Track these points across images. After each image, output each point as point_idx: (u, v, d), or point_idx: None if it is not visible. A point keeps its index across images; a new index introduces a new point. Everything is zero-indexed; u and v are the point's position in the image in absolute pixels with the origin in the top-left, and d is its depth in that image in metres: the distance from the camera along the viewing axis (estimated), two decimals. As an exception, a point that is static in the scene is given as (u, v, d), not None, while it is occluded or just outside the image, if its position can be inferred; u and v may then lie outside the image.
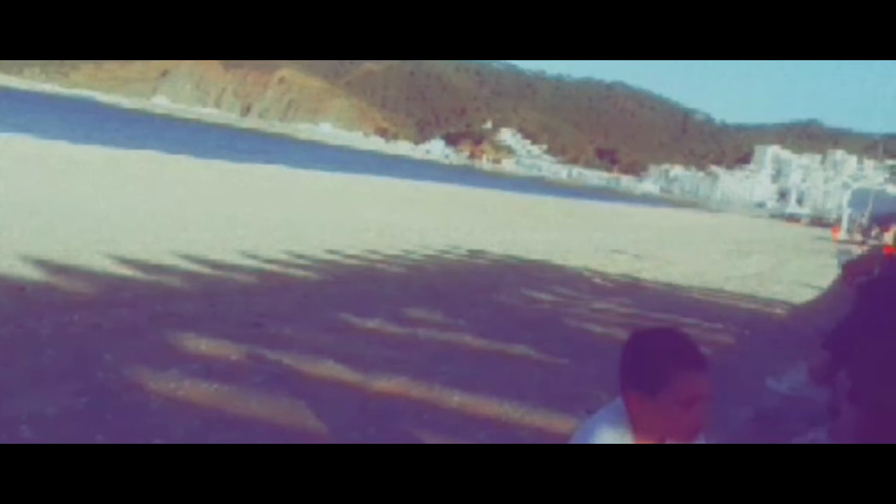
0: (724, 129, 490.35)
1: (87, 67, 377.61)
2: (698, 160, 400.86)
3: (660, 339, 2.12)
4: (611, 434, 2.08)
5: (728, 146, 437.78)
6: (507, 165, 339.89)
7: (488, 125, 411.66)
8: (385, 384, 6.32)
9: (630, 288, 14.81)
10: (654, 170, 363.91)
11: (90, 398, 5.05)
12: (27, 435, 4.37)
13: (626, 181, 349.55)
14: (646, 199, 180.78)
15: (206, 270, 10.31)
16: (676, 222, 60.29)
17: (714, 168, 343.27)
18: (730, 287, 17.13)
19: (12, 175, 18.84)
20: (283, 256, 12.38)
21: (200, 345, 6.66)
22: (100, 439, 4.46)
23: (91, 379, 5.43)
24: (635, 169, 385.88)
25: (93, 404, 4.97)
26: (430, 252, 16.05)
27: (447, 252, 16.61)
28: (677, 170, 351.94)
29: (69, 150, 31.82)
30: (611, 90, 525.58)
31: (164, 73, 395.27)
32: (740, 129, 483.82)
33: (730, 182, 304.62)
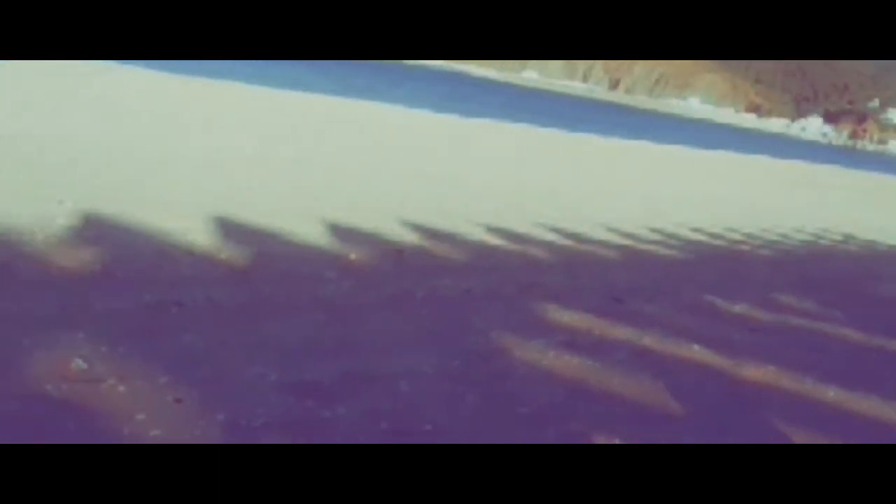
0: None
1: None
2: None
3: None
4: None
5: None
6: (895, 146, 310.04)
7: (875, 103, 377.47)
8: (753, 372, 6.02)
9: None
10: None
11: (461, 360, 5.31)
12: (405, 390, 4.68)
13: None
14: None
15: (567, 242, 10.46)
16: None
17: None
18: None
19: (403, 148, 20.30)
20: (643, 231, 12.24)
21: (563, 316, 6.76)
22: (470, 400, 4.67)
23: (462, 342, 5.71)
24: None
25: (464, 366, 5.22)
26: (799, 234, 15.10)
27: (817, 236, 15.52)
28: None
29: (445, 123, 33.68)
30: None
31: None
32: None
33: None
